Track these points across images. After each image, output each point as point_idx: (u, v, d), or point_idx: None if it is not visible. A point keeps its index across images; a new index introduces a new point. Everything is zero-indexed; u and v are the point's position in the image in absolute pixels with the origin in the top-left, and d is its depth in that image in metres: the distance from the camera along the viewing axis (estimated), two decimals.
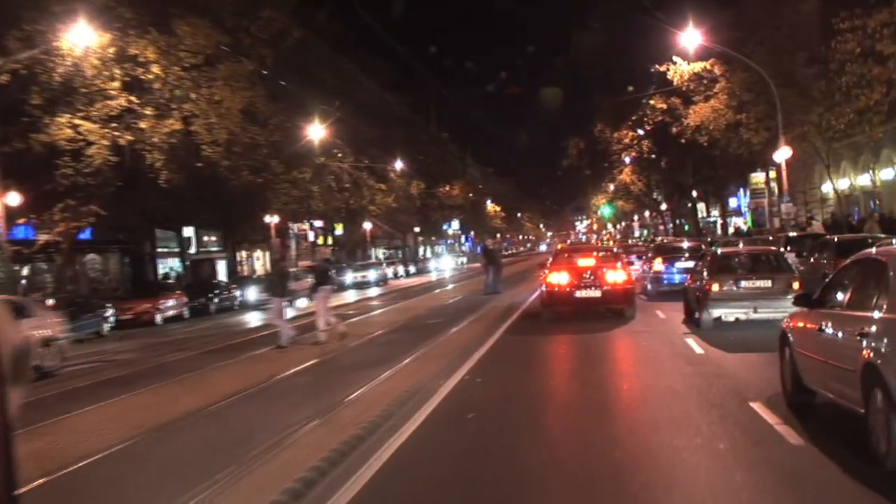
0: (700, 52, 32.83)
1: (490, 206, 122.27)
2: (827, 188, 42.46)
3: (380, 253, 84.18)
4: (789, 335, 7.88)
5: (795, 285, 13.52)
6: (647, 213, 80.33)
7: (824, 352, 6.81)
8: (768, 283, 14.10)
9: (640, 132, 50.52)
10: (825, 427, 7.02)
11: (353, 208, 56.74)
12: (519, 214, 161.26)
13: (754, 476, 5.83)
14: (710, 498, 5.47)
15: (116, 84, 24.64)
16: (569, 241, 67.83)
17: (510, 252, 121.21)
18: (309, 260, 57.38)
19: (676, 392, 9.10)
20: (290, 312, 18.55)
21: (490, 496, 5.91)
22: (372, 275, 50.38)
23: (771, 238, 29.68)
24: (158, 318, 31.26)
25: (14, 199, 24.50)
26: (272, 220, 48.14)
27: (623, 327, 16.13)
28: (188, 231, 48.84)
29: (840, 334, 6.55)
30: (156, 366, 15.52)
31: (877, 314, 5.89)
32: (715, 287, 14.14)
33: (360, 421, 8.09)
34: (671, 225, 65.25)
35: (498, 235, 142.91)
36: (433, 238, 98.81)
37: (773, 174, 42.98)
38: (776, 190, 43.12)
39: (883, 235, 20.37)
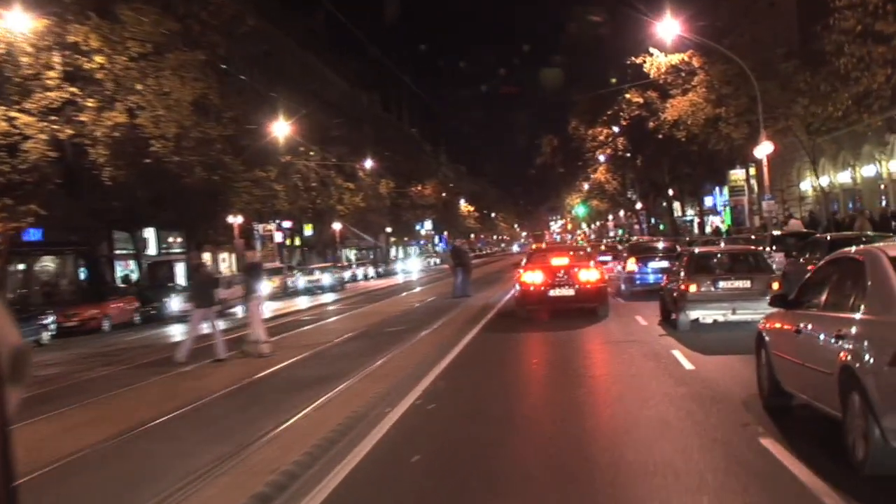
0: (678, 44, 31.49)
1: (463, 205, 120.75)
2: (806, 186, 41.53)
3: (351, 254, 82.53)
4: (766, 337, 7.70)
5: (775, 286, 13.22)
6: (621, 213, 79.33)
7: (801, 354, 6.64)
8: (747, 284, 13.74)
9: (616, 129, 49.33)
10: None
11: (320, 208, 54.98)
12: (493, 214, 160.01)
13: None
14: None
15: (54, 74, 22.74)
16: (544, 244, 66.49)
17: (484, 253, 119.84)
18: (275, 262, 55.70)
19: (668, 423, 7.50)
20: (221, 324, 16.57)
21: None
22: (326, 279, 45.35)
23: (754, 237, 28.46)
24: (106, 324, 29.26)
25: None
26: (235, 220, 46.33)
27: (602, 337, 14.60)
28: (148, 232, 47.10)
29: (816, 336, 6.38)
30: (72, 384, 13.61)
31: (854, 315, 5.73)
32: (692, 288, 13.75)
33: (276, 467, 6.43)
34: (646, 224, 64.09)
35: (472, 236, 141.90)
36: (406, 238, 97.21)
37: (752, 171, 41.92)
38: (755, 187, 42.07)
39: (877, 233, 19.09)
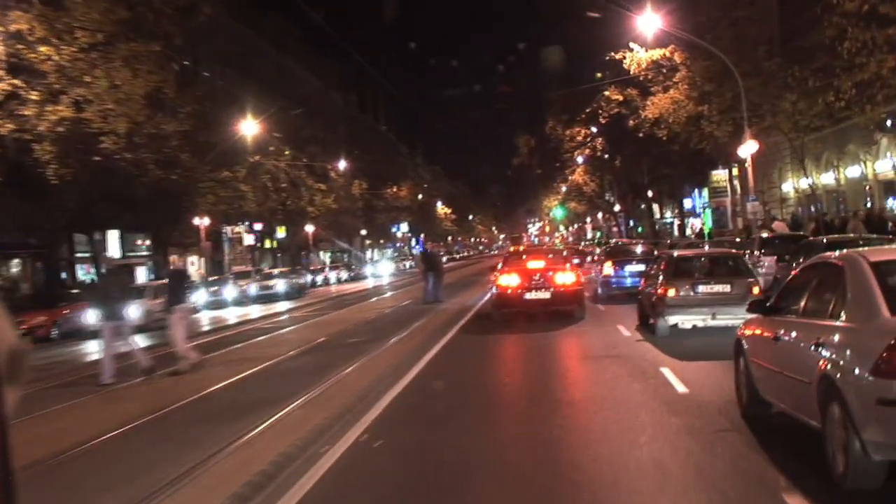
0: (659, 39, 30.25)
1: (440, 208, 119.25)
2: (788, 187, 40.56)
3: (326, 257, 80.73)
4: (744, 343, 7.53)
5: (755, 290, 12.95)
6: (600, 215, 78.28)
7: (779, 362, 6.47)
8: (727, 288, 13.39)
9: (594, 129, 48.17)
10: None
11: (290, 209, 53.27)
12: (471, 217, 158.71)
13: None
14: None
15: None
16: (522, 247, 65.03)
17: (461, 256, 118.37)
18: (245, 265, 53.90)
19: (665, 470, 6.05)
20: (139, 341, 14.73)
21: None
22: (280, 285, 40.65)
23: (739, 240, 27.29)
24: (55, 332, 27.45)
25: None
26: (202, 222, 44.60)
27: (582, 350, 13.21)
28: (112, 234, 45.27)
29: (795, 344, 6.22)
30: None
31: (834, 323, 5.59)
32: (671, 292, 13.40)
33: None
34: (624, 227, 63.00)
35: (449, 238, 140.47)
36: (382, 241, 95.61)
37: (735, 171, 40.86)
38: (738, 188, 40.99)
39: (874, 236, 17.86)
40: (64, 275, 39.74)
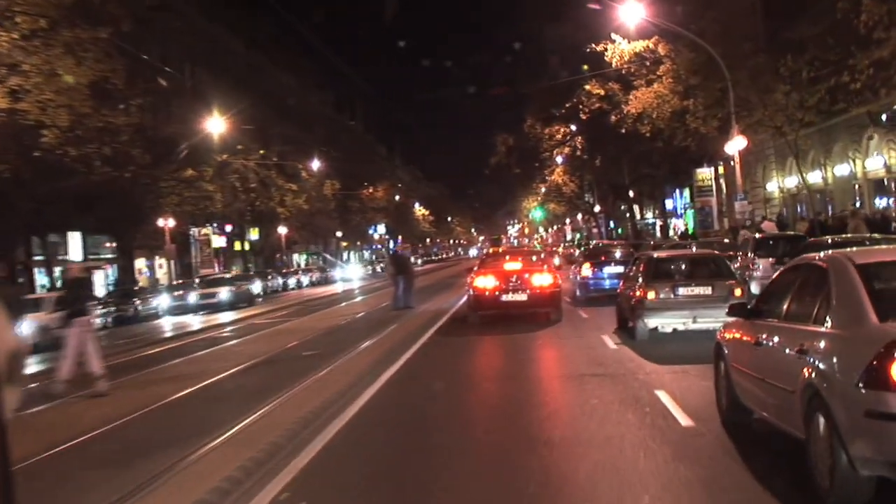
0: (643, 29, 28.71)
1: (418, 209, 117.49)
2: (772, 187, 39.34)
3: (301, 259, 78.73)
4: (724, 347, 7.31)
5: (737, 291, 12.69)
6: (579, 217, 76.98)
7: (761, 368, 6.19)
8: (708, 290, 13.05)
9: (573, 128, 46.71)
10: None
11: (260, 210, 51.33)
12: (450, 219, 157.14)
13: None
14: None
15: None
16: (501, 248, 63.40)
17: (439, 258, 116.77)
18: (214, 269, 51.91)
19: None
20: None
21: None
22: (224, 294, 35.40)
23: (727, 241, 25.88)
24: None
25: None
26: (166, 223, 42.66)
27: (563, 367, 11.57)
28: (74, 236, 43.27)
29: (778, 349, 5.90)
30: None
31: (819, 328, 5.26)
32: (650, 295, 13.01)
33: None
34: (604, 228, 61.64)
35: (428, 240, 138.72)
36: (359, 243, 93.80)
37: (720, 169, 39.51)
38: (724, 187, 39.65)
39: (879, 236, 16.38)
40: (21, 280, 37.74)
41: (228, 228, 56.69)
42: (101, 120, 23.25)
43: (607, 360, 11.71)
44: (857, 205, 29.91)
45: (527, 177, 64.33)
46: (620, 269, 20.32)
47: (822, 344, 5.15)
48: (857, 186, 31.52)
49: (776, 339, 6.01)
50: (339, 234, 79.48)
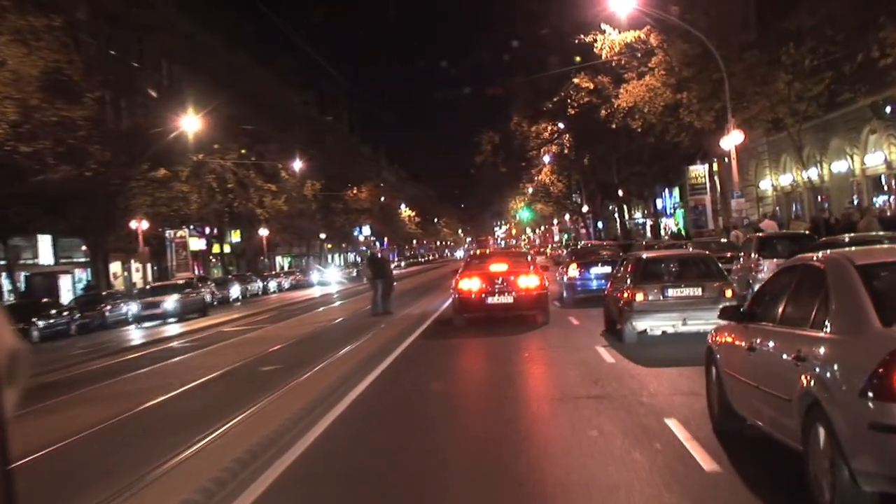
0: (634, 19, 27.32)
1: (404, 210, 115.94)
2: (765, 185, 38.17)
3: (285, 261, 77.03)
4: (716, 352, 6.94)
5: (728, 293, 12.49)
6: (567, 217, 75.72)
7: (755, 375, 5.89)
8: (698, 291, 12.73)
9: (561, 125, 45.36)
10: None
11: (238, 211, 49.65)
12: (436, 220, 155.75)
13: None
14: None
15: None
16: (488, 250, 62.04)
17: (425, 259, 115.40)
18: (190, 272, 50.20)
19: None
20: None
21: None
22: (170, 304, 31.28)
23: (725, 241, 24.56)
24: None
25: None
26: (139, 225, 41.02)
27: (555, 387, 10.00)
28: (45, 239, 41.63)
29: (773, 355, 5.62)
30: None
31: (817, 333, 4.98)
32: (639, 296, 12.66)
33: None
34: (592, 228, 60.37)
35: (414, 241, 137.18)
36: (344, 245, 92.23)
37: (715, 167, 38.21)
38: (718, 185, 38.36)
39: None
40: None
41: (207, 231, 55.04)
42: (56, 114, 21.59)
43: (604, 376, 10.23)
44: (855, 202, 28.76)
45: (514, 177, 63.10)
46: (608, 269, 20.07)
47: (822, 350, 4.85)
48: (855, 183, 30.35)
49: (771, 344, 5.71)
50: (322, 236, 77.84)
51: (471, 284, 17.07)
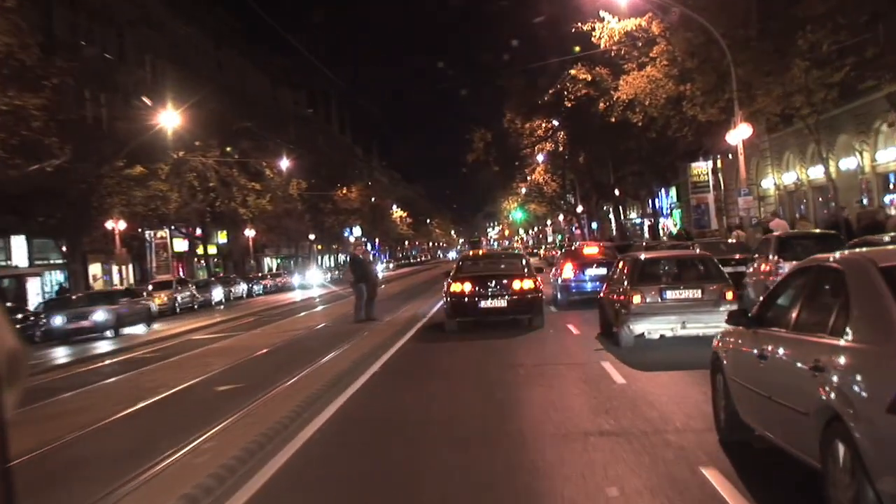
0: (635, 6, 25.71)
1: (396, 211, 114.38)
2: (767, 184, 36.78)
3: (273, 263, 75.35)
4: (722, 359, 6.62)
5: (728, 295, 12.18)
6: (561, 217, 74.35)
7: (766, 385, 5.53)
8: (697, 293, 12.38)
9: (556, 123, 43.81)
10: None
11: (220, 211, 47.93)
12: (429, 221, 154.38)
13: None
14: None
15: None
16: (481, 251, 60.29)
17: (417, 261, 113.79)
18: (170, 275, 48.47)
19: None
20: None
21: None
22: (100, 315, 26.68)
23: (732, 241, 23.08)
24: None
25: None
26: (116, 226, 39.31)
27: (558, 415, 8.17)
28: (19, 240, 39.92)
29: (787, 364, 5.27)
30: None
31: (837, 341, 4.56)
32: (636, 298, 12.29)
33: None
34: (587, 229, 58.90)
35: (406, 242, 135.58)
36: (334, 246, 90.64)
37: (712, 166, 36.69)
38: (721, 184, 36.87)
39: None
40: None
41: (191, 231, 53.35)
42: (9, 103, 19.81)
43: (616, 403, 8.52)
44: (864, 201, 27.31)
45: (507, 176, 61.73)
46: (603, 271, 19.73)
47: (843, 359, 4.47)
48: (864, 182, 28.94)
49: (784, 351, 5.37)
50: (312, 237, 76.20)
51: (463, 287, 16.67)
